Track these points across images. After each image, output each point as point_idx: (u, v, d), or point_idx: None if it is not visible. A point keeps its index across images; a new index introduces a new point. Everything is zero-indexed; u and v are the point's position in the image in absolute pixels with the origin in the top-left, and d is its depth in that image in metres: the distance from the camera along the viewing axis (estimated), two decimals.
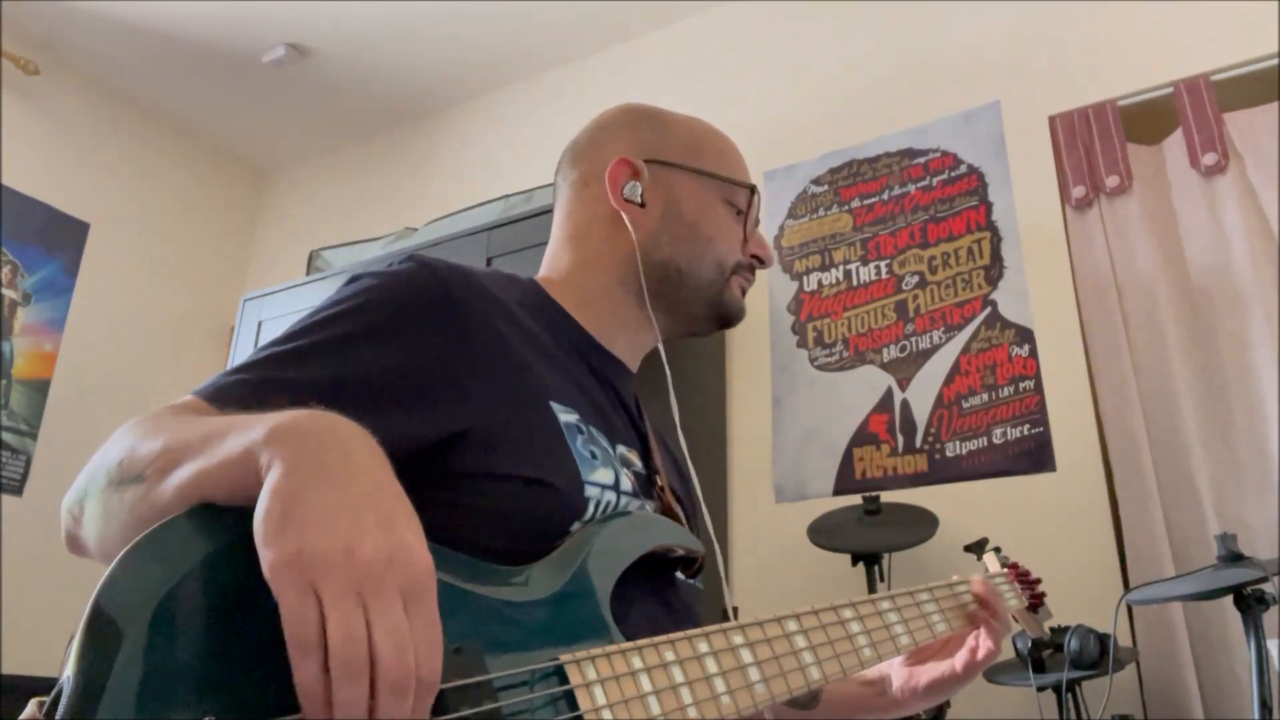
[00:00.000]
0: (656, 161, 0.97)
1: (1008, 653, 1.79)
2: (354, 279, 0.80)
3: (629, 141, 0.98)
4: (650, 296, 0.95)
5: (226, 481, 0.55)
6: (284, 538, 0.49)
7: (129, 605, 0.48)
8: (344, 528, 0.50)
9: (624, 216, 0.94)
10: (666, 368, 0.95)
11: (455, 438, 0.73)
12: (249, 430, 0.56)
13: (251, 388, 0.69)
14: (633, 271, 0.95)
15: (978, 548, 1.40)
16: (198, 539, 0.53)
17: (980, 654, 1.02)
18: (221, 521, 0.54)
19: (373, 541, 0.50)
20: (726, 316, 1.00)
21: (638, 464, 0.91)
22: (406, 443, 0.70)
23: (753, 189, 1.00)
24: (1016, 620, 1.12)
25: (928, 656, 1.04)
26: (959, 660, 1.02)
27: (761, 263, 1.01)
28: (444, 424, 0.73)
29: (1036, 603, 1.19)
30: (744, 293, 1.01)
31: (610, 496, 0.81)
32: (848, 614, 0.86)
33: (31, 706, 0.48)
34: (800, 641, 0.79)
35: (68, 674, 0.46)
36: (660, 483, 0.92)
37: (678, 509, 0.92)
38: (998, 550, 1.25)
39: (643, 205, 0.95)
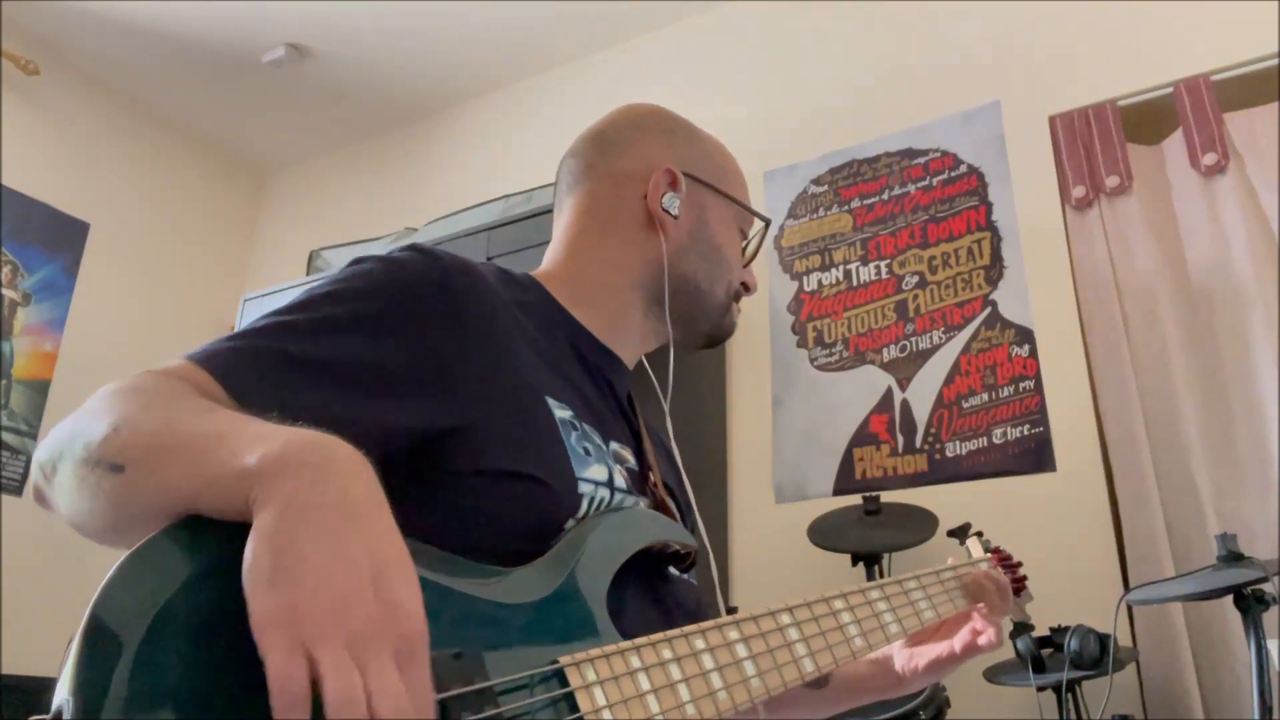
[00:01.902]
0: (691, 176, 0.99)
1: (1008, 652, 1.79)
2: (356, 261, 0.80)
3: (667, 149, 1.00)
4: (667, 307, 0.96)
5: (209, 501, 0.53)
6: (274, 591, 0.47)
7: (126, 621, 0.47)
8: (337, 585, 0.48)
9: (660, 224, 0.95)
10: (670, 375, 0.96)
11: (449, 432, 0.73)
12: (243, 450, 0.53)
13: (246, 356, 0.68)
14: (653, 278, 0.96)
15: (960, 533, 1.41)
16: (194, 553, 0.52)
17: (982, 640, 1.05)
18: (217, 535, 0.53)
19: (365, 601, 0.48)
20: (720, 337, 1.04)
21: (631, 460, 0.91)
22: (397, 433, 0.70)
23: (767, 224, 1.04)
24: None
25: (927, 637, 1.07)
26: (958, 642, 1.05)
27: (747, 290, 1.05)
28: (438, 417, 0.72)
29: (1019, 586, 1.21)
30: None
31: (604, 493, 0.81)
32: (839, 605, 0.88)
33: None
34: (793, 634, 0.79)
35: (66, 695, 0.45)
36: (653, 478, 0.93)
37: (671, 504, 0.92)
38: (980, 535, 1.26)
39: (675, 217, 0.96)
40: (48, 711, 0.46)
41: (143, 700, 0.46)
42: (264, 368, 0.67)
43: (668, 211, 0.95)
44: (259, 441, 0.54)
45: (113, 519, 0.54)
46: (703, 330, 1.02)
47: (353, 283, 0.76)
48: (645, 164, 0.98)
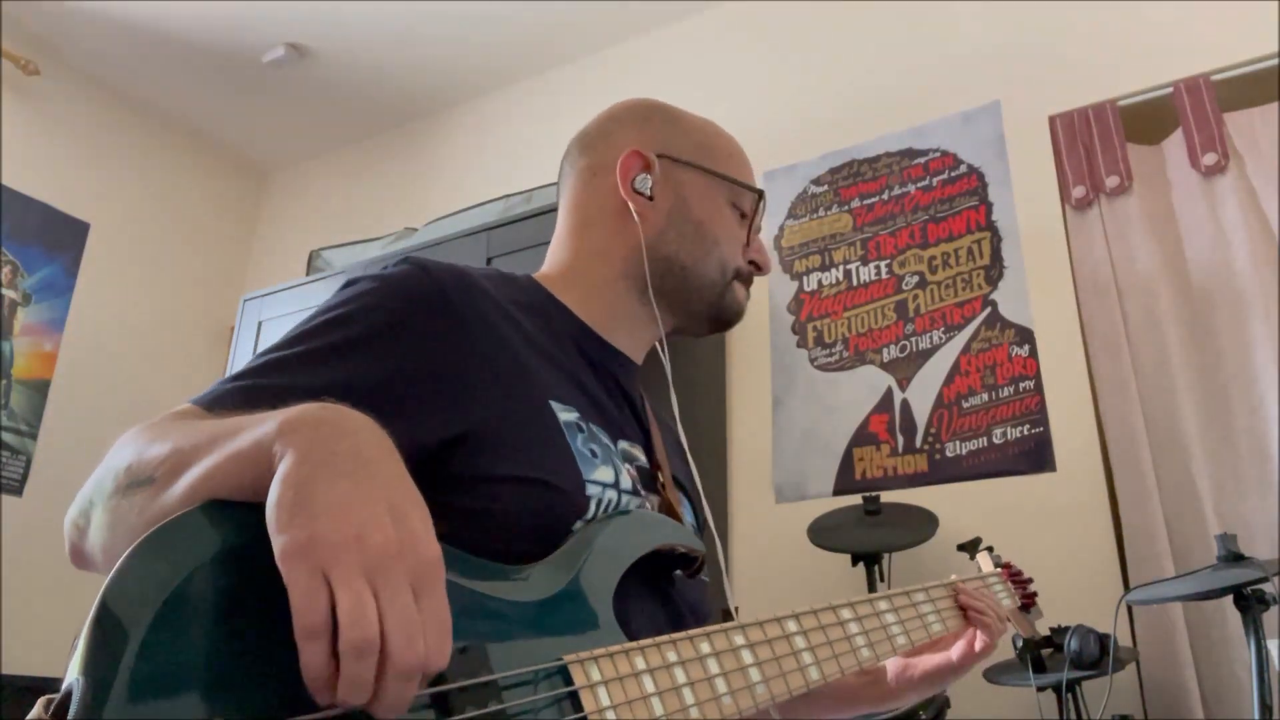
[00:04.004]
0: (668, 157, 0.97)
1: (1008, 653, 1.79)
2: (350, 282, 0.80)
3: (641, 134, 0.99)
4: (654, 292, 0.95)
5: (238, 476, 0.55)
6: (295, 524, 0.49)
7: (137, 602, 0.48)
8: (355, 515, 0.50)
9: (631, 208, 0.94)
10: (667, 362, 0.95)
11: (455, 441, 0.73)
12: (260, 425, 0.56)
13: (250, 394, 0.69)
14: (637, 264, 0.94)
15: (971, 547, 1.41)
16: (206, 534, 0.53)
17: (978, 646, 1.03)
18: (230, 516, 0.54)
19: (383, 530, 0.50)
20: (725, 319, 1.00)
21: (641, 458, 0.91)
22: (408, 448, 0.70)
23: (760, 194, 1.01)
24: (1009, 620, 1.14)
25: (924, 649, 1.06)
26: (955, 652, 1.04)
27: (759, 269, 1.01)
28: (444, 428, 0.73)
29: (1029, 602, 1.20)
30: (746, 298, 1.01)
31: (611, 495, 0.81)
32: (846, 614, 0.87)
33: (39, 706, 0.48)
34: (800, 642, 0.79)
35: (76, 675, 0.45)
36: (662, 478, 0.92)
37: (680, 504, 0.92)
38: (990, 550, 1.26)
39: (651, 199, 0.95)
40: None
41: (152, 681, 0.46)
42: (268, 404, 0.68)
43: (640, 193, 0.94)
44: (274, 415, 0.56)
45: (145, 532, 0.54)
46: (699, 311, 0.98)
47: (349, 305, 0.77)
48: (614, 153, 0.97)
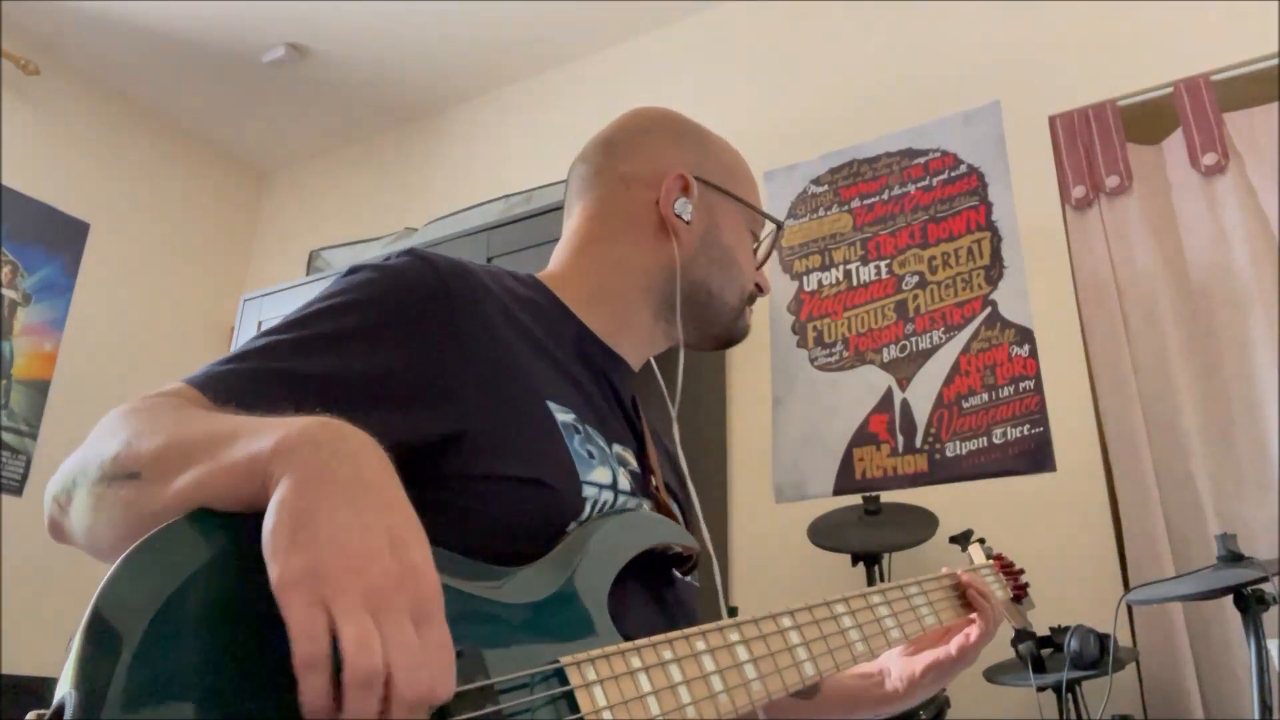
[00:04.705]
0: (704, 181, 0.99)
1: (1008, 653, 1.79)
2: (352, 270, 0.80)
3: (678, 153, 0.99)
4: (679, 312, 0.96)
5: (230, 489, 0.54)
6: (294, 553, 0.48)
7: (129, 614, 0.47)
8: (355, 546, 0.49)
9: (671, 229, 0.95)
10: (679, 380, 0.95)
11: (452, 439, 0.72)
12: (257, 437, 0.55)
13: (244, 378, 0.69)
14: (664, 282, 0.96)
15: (963, 539, 1.41)
16: (199, 545, 0.52)
17: (974, 636, 1.04)
18: (223, 528, 0.53)
19: (384, 561, 0.50)
20: (733, 340, 1.04)
21: (633, 463, 0.91)
22: (402, 443, 0.70)
23: (780, 225, 1.04)
24: (1004, 610, 1.15)
25: (923, 646, 1.06)
26: (954, 645, 1.05)
27: (761, 291, 1.05)
28: (440, 424, 0.72)
29: (1020, 593, 1.21)
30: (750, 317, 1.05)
31: (608, 496, 0.81)
32: (840, 609, 0.87)
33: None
34: (794, 638, 0.79)
35: (69, 689, 0.45)
36: (655, 482, 0.92)
37: (673, 508, 0.92)
38: (982, 541, 1.26)
39: (687, 223, 0.96)
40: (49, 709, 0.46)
41: (145, 694, 0.46)
42: (262, 389, 0.67)
43: (680, 217, 0.95)
44: (272, 428, 0.55)
45: (131, 528, 0.54)
46: (715, 334, 1.01)
47: (350, 294, 0.76)
48: (655, 168, 0.97)
